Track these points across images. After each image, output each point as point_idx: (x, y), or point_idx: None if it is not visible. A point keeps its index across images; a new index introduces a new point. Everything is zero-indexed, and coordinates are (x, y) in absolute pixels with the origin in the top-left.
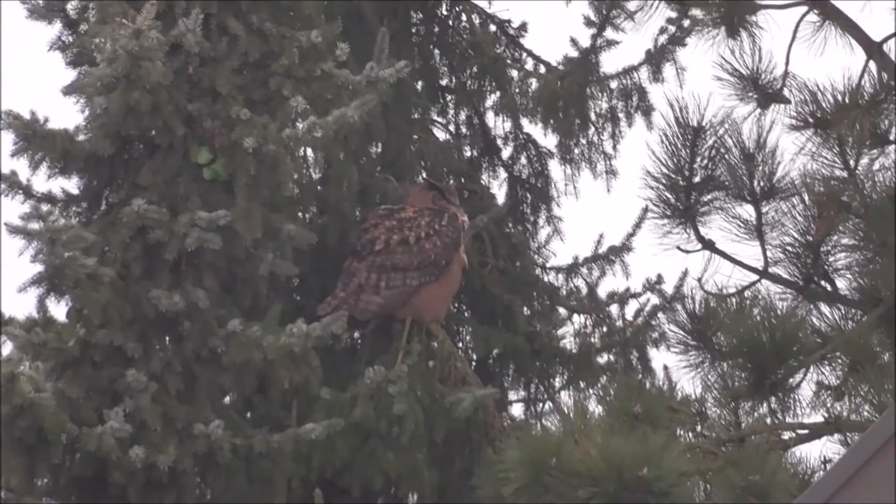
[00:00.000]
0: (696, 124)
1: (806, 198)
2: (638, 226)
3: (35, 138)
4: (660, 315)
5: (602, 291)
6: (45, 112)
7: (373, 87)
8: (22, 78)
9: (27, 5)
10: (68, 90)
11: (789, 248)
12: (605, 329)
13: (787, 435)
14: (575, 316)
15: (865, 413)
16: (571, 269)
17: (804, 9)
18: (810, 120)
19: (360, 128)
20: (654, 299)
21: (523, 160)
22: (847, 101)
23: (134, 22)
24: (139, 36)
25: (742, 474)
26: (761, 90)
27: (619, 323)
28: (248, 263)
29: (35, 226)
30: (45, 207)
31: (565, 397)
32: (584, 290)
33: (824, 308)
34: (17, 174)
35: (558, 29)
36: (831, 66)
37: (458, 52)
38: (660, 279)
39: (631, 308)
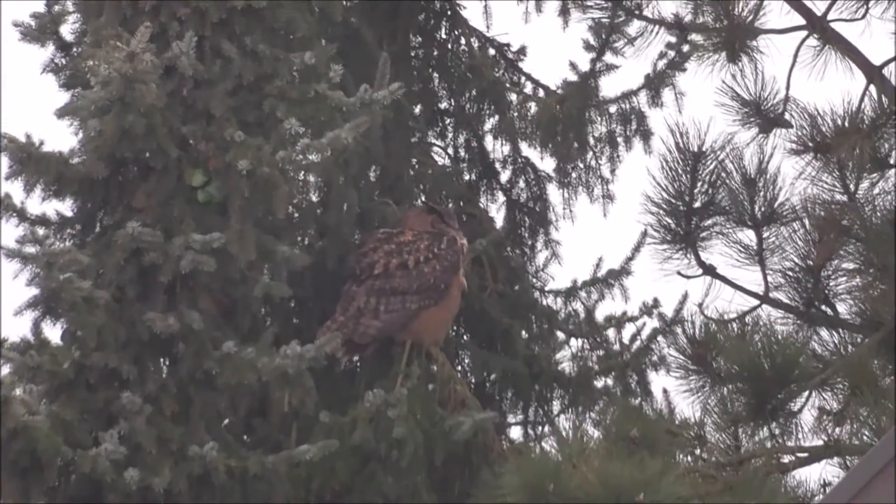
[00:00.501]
0: (696, 149)
1: (806, 222)
2: (637, 250)
3: (30, 161)
4: (660, 339)
5: (600, 315)
6: (39, 135)
7: (367, 109)
8: (16, 100)
9: (20, 27)
10: (62, 113)
11: (790, 272)
12: (601, 353)
13: (786, 458)
14: (572, 339)
15: (865, 437)
16: (570, 293)
17: (804, 33)
18: (810, 144)
19: (359, 151)
20: (651, 323)
21: (522, 184)
22: (847, 125)
23: (128, 45)
24: (133, 59)
25: (741, 498)
26: (763, 115)
27: (616, 347)
28: (243, 285)
29: (31, 249)
30: (41, 231)
31: (564, 421)
32: (582, 314)
33: (825, 332)
34: (12, 197)
35: (557, 53)
36: (831, 90)
37: (456, 75)
38: (656, 303)
39: (628, 332)
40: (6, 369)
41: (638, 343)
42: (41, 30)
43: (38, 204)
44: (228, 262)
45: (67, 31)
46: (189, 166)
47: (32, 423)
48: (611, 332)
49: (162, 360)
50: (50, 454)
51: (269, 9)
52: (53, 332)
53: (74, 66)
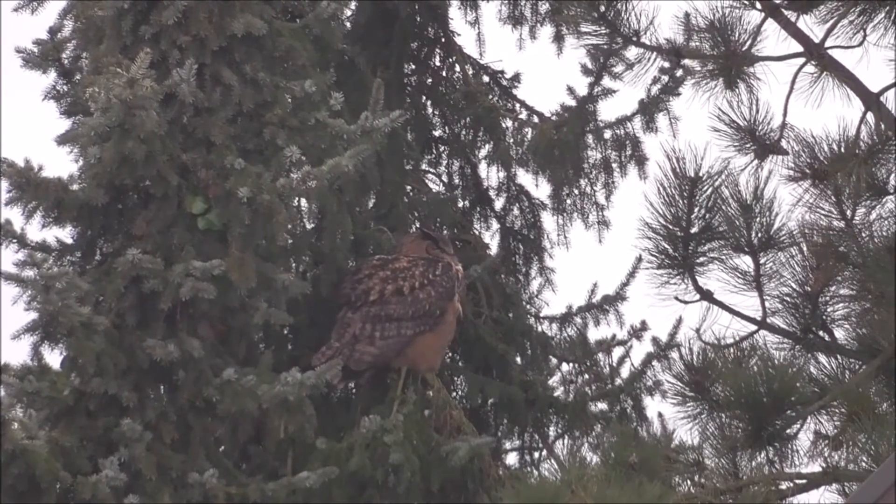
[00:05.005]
0: (693, 175)
1: (804, 248)
2: (632, 275)
3: (29, 187)
4: (654, 364)
5: (593, 340)
6: (39, 160)
7: (367, 137)
8: (16, 126)
9: (23, 54)
10: (63, 140)
11: (787, 298)
12: (592, 376)
13: (784, 485)
14: (564, 364)
15: (863, 463)
16: (565, 319)
17: (802, 60)
18: (807, 171)
19: (354, 178)
20: (638, 345)
21: (516, 211)
22: (844, 151)
23: (128, 71)
24: (133, 85)
25: None
26: (759, 141)
27: (607, 370)
28: (243, 313)
29: (29, 273)
30: (39, 255)
31: (560, 446)
32: (576, 339)
33: (822, 358)
34: (12, 223)
35: (551, 79)
36: (829, 117)
37: (450, 102)
38: (644, 325)
39: (616, 354)
40: (4, 393)
41: (627, 366)
42: (44, 56)
43: (38, 230)
44: (228, 290)
45: (68, 57)
46: (189, 194)
47: (31, 447)
48: (601, 356)
49: (162, 387)
50: (48, 479)
51: (268, 37)
52: (53, 358)
53: (75, 92)
